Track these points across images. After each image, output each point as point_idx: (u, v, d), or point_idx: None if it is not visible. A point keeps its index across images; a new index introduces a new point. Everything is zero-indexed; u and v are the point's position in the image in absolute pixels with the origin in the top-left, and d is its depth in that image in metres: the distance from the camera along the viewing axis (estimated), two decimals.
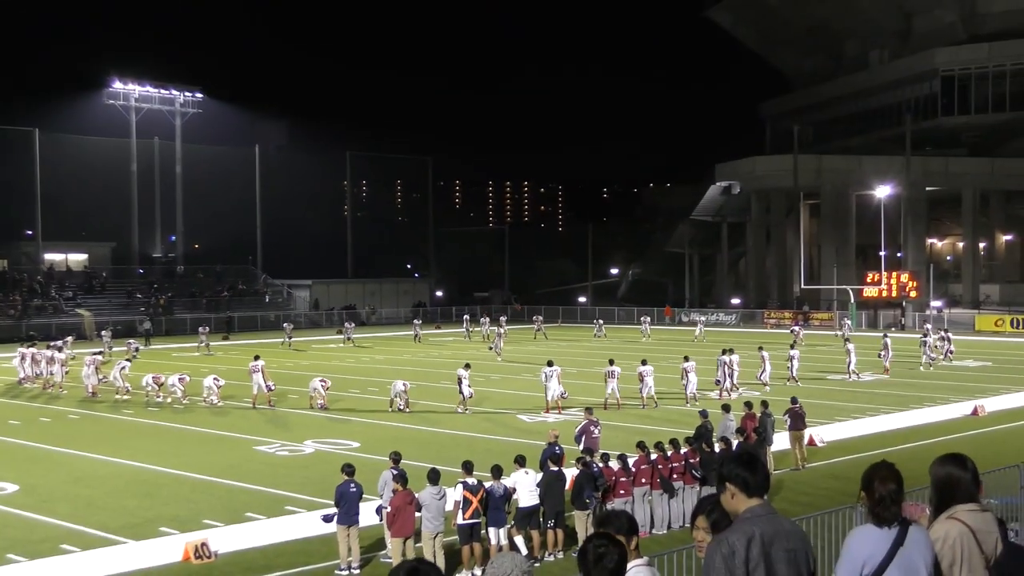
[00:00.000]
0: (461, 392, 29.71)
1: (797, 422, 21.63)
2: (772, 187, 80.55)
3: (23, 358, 38.57)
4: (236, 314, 71.13)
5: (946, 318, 62.78)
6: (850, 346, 39.32)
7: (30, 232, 78.80)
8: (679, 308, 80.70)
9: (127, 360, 36.49)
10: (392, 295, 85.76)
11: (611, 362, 30.92)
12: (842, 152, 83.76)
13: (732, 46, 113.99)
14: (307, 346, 56.69)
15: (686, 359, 31.73)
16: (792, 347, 38.65)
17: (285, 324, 57.42)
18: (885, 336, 41.60)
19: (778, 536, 4.68)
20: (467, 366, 31.01)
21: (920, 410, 29.75)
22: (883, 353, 39.30)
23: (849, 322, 58.64)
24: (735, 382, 32.63)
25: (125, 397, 32.95)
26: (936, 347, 43.42)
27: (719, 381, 32.19)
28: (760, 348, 35.87)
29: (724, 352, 33.12)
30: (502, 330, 52.04)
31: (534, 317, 63.94)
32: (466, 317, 64.98)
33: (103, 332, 52.28)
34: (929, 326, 49.79)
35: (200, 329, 54.81)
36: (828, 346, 51.98)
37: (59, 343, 42.29)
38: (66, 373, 36.65)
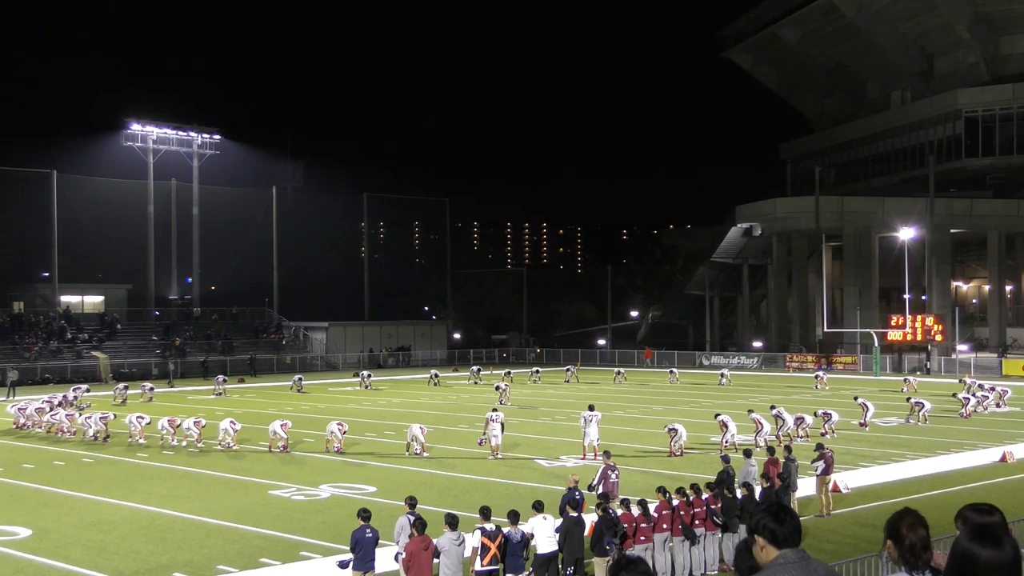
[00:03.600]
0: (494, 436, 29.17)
1: (828, 468, 21.54)
2: (793, 229, 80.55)
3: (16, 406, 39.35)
4: (250, 356, 71.18)
5: (972, 363, 62.23)
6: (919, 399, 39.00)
7: (46, 274, 79.33)
8: (700, 351, 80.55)
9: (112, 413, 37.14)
10: (409, 338, 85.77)
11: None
12: (864, 193, 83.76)
13: (752, 87, 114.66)
14: (323, 388, 56.81)
15: (670, 426, 30.48)
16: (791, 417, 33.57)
17: (296, 377, 57.25)
18: (973, 382, 41.95)
19: None
20: (495, 410, 30.91)
21: (947, 456, 29.43)
22: (968, 397, 40.16)
23: (920, 370, 58.27)
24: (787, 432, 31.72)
25: (100, 440, 33.62)
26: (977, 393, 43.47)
27: (776, 436, 31.32)
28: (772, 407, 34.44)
29: (773, 408, 33.12)
30: (504, 385, 48.77)
31: (568, 367, 63.68)
32: (474, 368, 64.33)
33: (119, 386, 49.93)
34: (969, 380, 48.60)
35: (218, 378, 54.80)
36: (852, 390, 51.52)
37: (59, 398, 41.62)
38: (68, 415, 36.80)
